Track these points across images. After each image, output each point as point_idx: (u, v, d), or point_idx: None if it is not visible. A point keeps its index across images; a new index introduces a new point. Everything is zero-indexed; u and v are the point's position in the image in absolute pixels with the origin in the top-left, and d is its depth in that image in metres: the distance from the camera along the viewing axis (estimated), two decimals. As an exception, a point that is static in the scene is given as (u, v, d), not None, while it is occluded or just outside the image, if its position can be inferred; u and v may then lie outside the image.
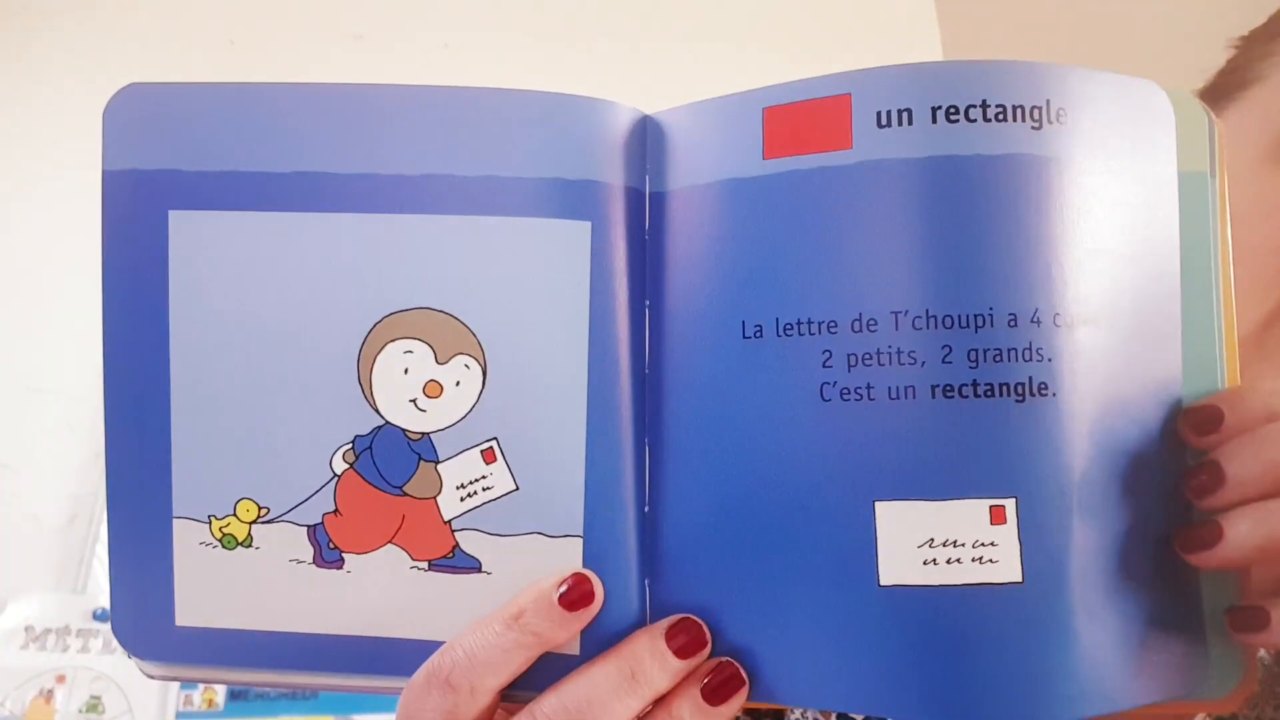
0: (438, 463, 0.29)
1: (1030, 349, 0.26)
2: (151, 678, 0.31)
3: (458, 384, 0.29)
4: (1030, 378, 0.26)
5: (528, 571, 0.29)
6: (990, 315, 0.27)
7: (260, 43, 1.31)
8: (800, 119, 0.28)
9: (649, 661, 0.27)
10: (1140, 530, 0.27)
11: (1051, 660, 0.26)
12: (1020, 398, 0.26)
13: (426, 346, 0.29)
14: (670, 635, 0.27)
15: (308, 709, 1.12)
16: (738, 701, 0.28)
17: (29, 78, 1.29)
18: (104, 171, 0.30)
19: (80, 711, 1.05)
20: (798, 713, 0.44)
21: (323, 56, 1.31)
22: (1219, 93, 0.41)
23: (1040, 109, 0.27)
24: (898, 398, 0.27)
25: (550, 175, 0.29)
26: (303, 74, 1.39)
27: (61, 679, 1.06)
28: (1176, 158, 0.29)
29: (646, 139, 0.30)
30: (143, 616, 0.30)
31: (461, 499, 0.29)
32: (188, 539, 0.30)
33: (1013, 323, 0.27)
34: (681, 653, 0.27)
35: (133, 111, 0.30)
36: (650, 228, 0.30)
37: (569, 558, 0.29)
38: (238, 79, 0.31)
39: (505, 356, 0.29)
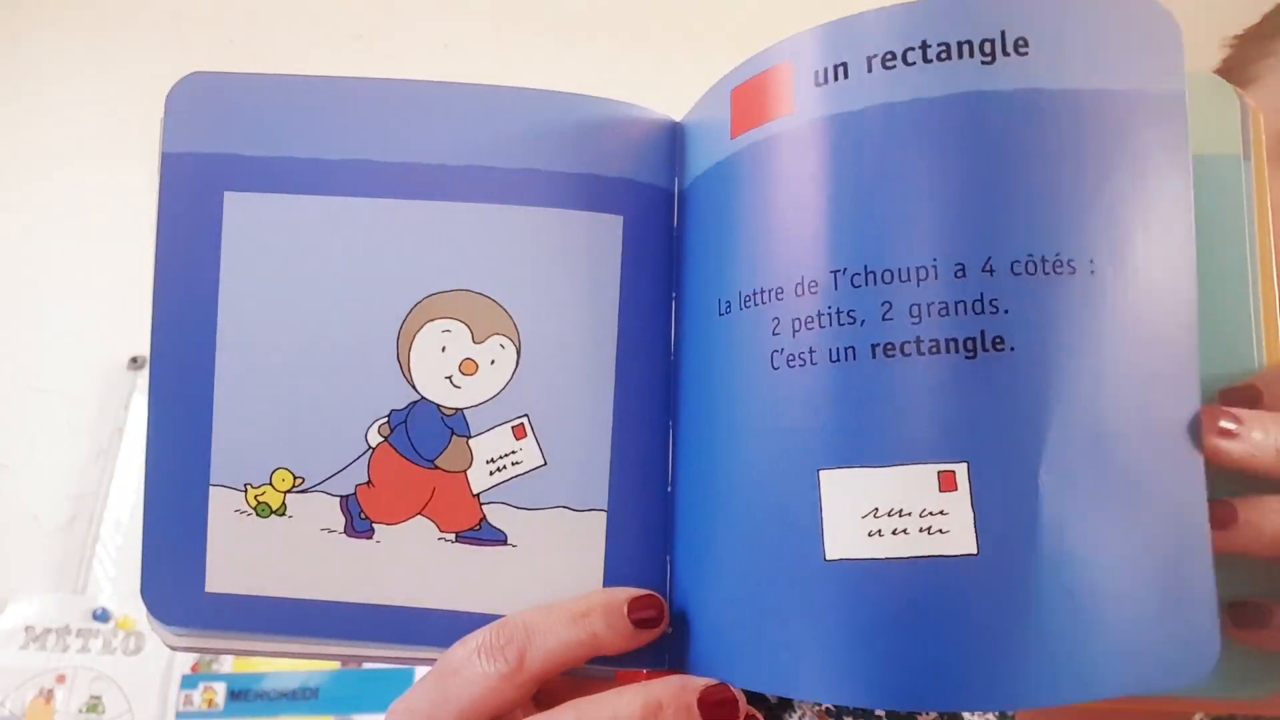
0: (469, 437, 0.30)
1: (982, 300, 0.25)
2: (174, 649, 0.31)
3: (492, 363, 0.30)
4: (982, 331, 0.25)
5: (552, 544, 0.30)
6: (933, 267, 0.25)
7: (260, 42, 1.31)
8: (755, 93, 0.29)
9: (671, 709, 0.26)
10: (1133, 502, 0.26)
11: (1013, 641, 0.25)
12: (970, 354, 0.25)
13: (464, 326, 0.30)
14: (704, 694, 0.27)
15: (308, 709, 1.12)
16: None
17: (29, 79, 1.29)
18: (163, 154, 0.32)
19: (80, 711, 1.05)
20: (799, 711, 0.44)
21: (323, 56, 1.31)
22: None
23: (992, 41, 0.26)
24: (838, 360, 0.26)
25: (586, 171, 0.31)
26: (302, 74, 1.39)
27: (61, 679, 1.06)
28: (1206, 137, 0.28)
29: (674, 141, 0.32)
30: (173, 581, 0.31)
31: (490, 473, 0.30)
32: (223, 506, 0.31)
33: (960, 273, 0.25)
34: (707, 713, 0.27)
35: (194, 98, 0.32)
36: (678, 223, 0.32)
37: (593, 531, 0.30)
38: None
39: (539, 338, 0.30)
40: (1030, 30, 0.26)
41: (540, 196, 0.31)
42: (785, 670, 0.27)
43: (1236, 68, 0.42)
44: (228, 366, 0.31)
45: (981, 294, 0.25)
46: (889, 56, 0.27)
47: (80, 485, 1.17)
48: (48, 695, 1.04)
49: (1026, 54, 0.26)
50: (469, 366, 0.30)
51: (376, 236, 0.31)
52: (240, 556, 0.31)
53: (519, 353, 0.30)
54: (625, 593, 0.29)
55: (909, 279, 0.26)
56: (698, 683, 0.27)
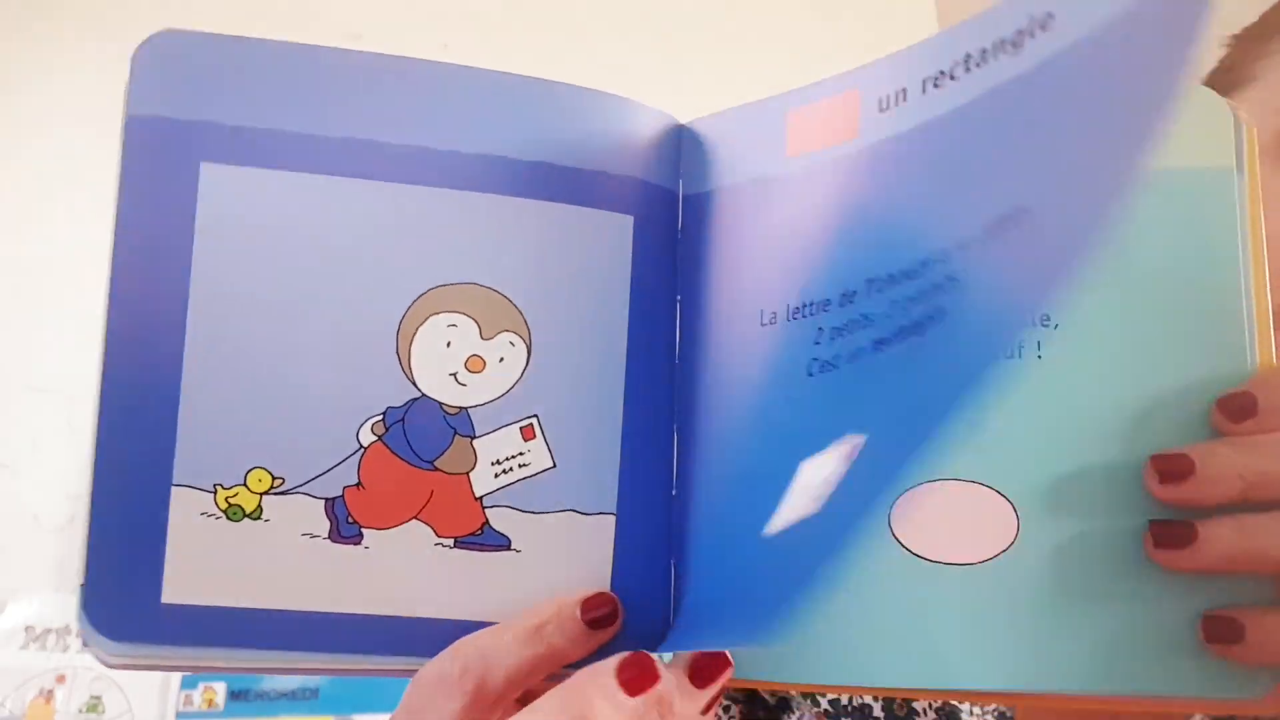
0: (474, 438, 0.29)
1: (942, 282, 0.25)
2: (109, 666, 0.27)
3: (501, 360, 0.29)
4: (938, 308, 0.25)
5: (558, 549, 0.29)
6: (925, 260, 0.26)
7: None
8: (819, 117, 0.30)
9: (599, 702, 0.26)
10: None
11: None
12: (920, 334, 0.25)
13: (472, 321, 0.29)
14: (620, 671, 0.26)
15: (308, 709, 1.12)
16: (724, 680, 0.27)
17: (29, 78, 1.29)
18: (128, 116, 0.29)
19: (80, 711, 1.05)
20: (797, 712, 0.44)
21: (322, 56, 1.31)
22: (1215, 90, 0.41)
23: (1022, 30, 0.26)
24: (853, 360, 0.27)
25: (599, 168, 0.30)
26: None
27: (61, 679, 1.06)
28: (1198, 150, 0.29)
29: (680, 144, 0.32)
30: (122, 592, 0.27)
31: (496, 475, 0.29)
32: (186, 509, 0.28)
33: (941, 258, 0.26)
34: (629, 688, 0.26)
35: (166, 57, 0.29)
36: (682, 227, 0.31)
37: (602, 535, 0.29)
38: None
39: (550, 336, 0.29)
40: (1055, 5, 0.26)
41: (554, 191, 0.30)
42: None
43: (1235, 66, 0.42)
44: (198, 354, 0.28)
45: (945, 275, 0.26)
46: (940, 76, 0.28)
47: (81, 485, 1.17)
48: (48, 695, 1.04)
49: (1052, 26, 0.26)
50: (476, 364, 0.29)
51: (379, 222, 0.29)
52: (205, 564, 0.27)
53: (529, 350, 0.29)
54: (575, 598, 0.28)
55: (913, 276, 0.27)
56: (612, 662, 0.26)
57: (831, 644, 0.28)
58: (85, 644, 0.27)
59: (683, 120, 0.32)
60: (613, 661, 0.26)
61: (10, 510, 1.15)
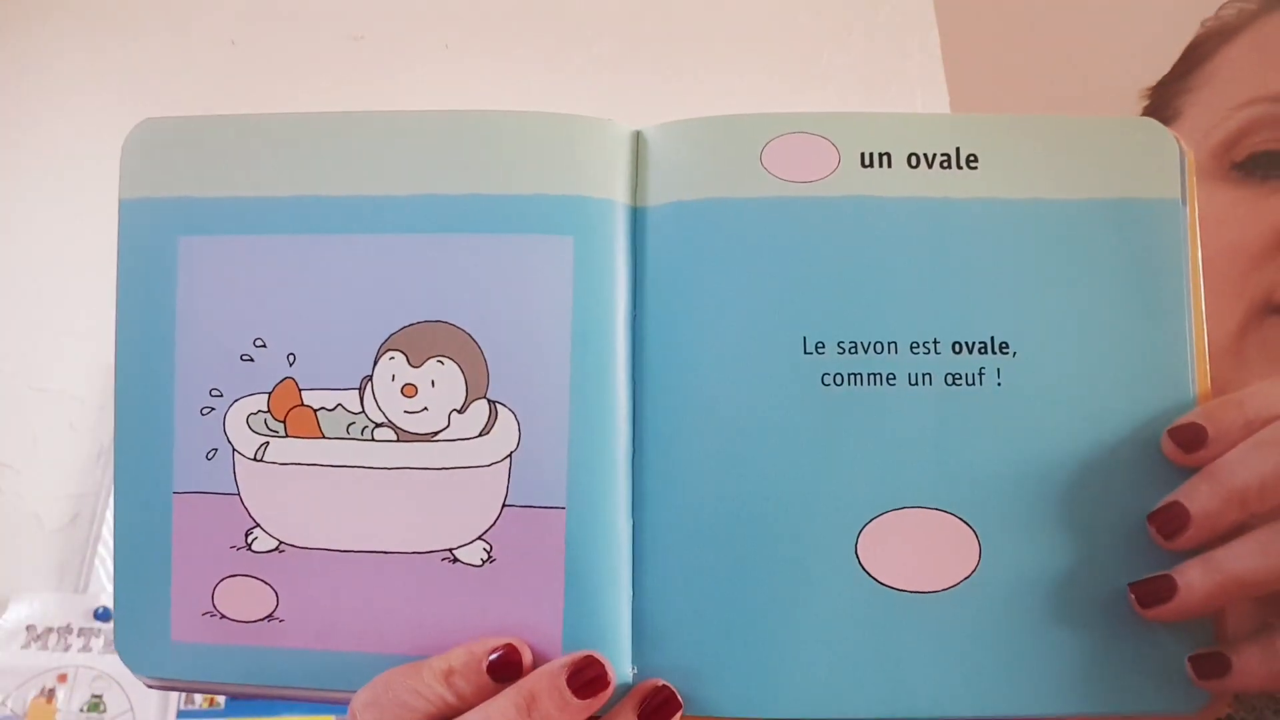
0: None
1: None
2: (151, 688, 0.31)
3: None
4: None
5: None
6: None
7: (261, 43, 1.31)
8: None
9: (545, 698, 0.27)
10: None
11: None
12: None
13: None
14: (572, 673, 0.27)
15: (309, 709, 1.12)
16: None
17: (28, 79, 1.29)
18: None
19: (82, 711, 1.05)
20: None
21: (323, 57, 1.31)
22: None
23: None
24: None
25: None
26: (304, 75, 1.39)
27: (63, 678, 1.06)
28: (1145, 184, 0.30)
29: (637, 154, 0.32)
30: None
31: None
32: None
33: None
34: (581, 692, 0.27)
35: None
36: (638, 239, 0.31)
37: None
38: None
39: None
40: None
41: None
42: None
43: (1157, 111, 0.45)
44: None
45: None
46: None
47: (82, 485, 1.17)
48: (49, 694, 1.05)
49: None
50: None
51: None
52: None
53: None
54: (484, 646, 0.28)
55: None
56: (565, 661, 0.28)
57: (797, 675, 0.29)
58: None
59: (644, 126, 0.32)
60: (565, 661, 0.28)
61: (11, 510, 1.15)
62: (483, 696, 0.28)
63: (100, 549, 1.15)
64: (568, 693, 0.27)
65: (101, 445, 1.18)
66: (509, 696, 0.27)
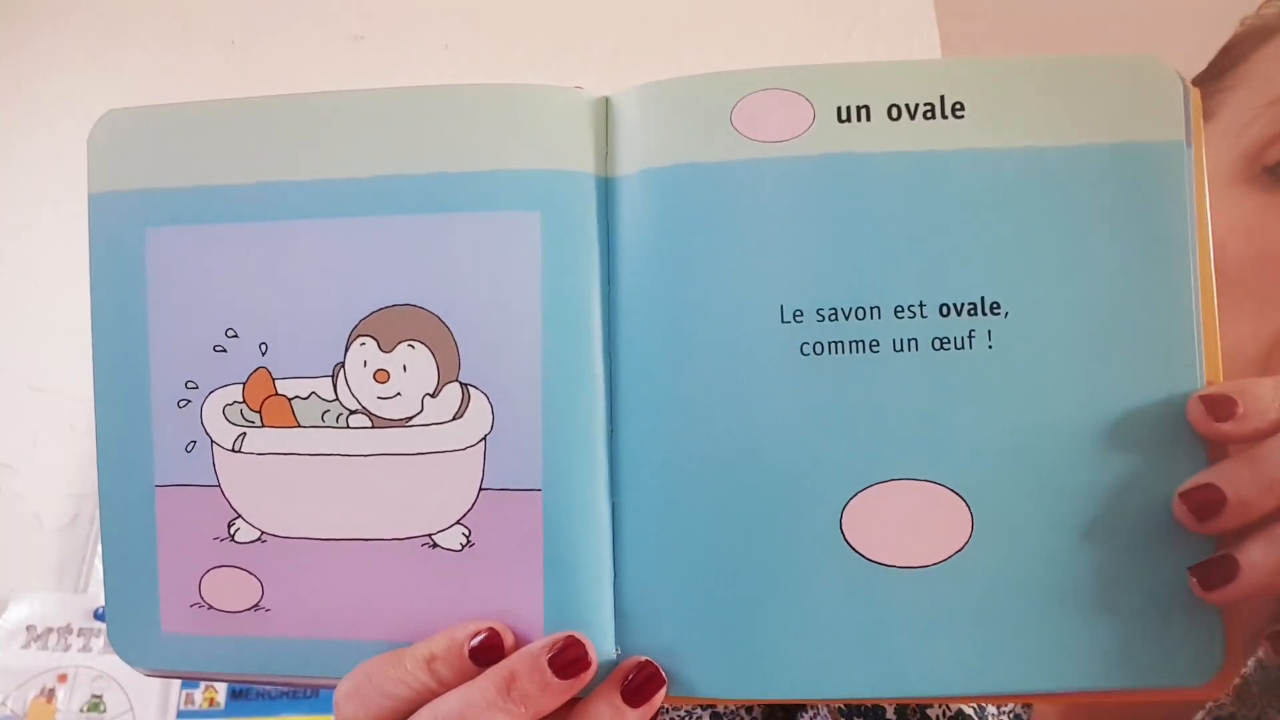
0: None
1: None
2: (147, 676, 0.32)
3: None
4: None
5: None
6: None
7: (261, 43, 1.31)
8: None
9: (526, 680, 0.27)
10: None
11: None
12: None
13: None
14: (552, 654, 0.28)
15: (309, 708, 1.12)
16: (657, 701, 0.28)
17: (31, 79, 1.29)
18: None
19: (81, 711, 1.05)
20: (811, 710, 0.44)
21: (323, 57, 1.31)
22: None
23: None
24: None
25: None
26: (303, 74, 1.39)
27: (63, 678, 1.06)
28: (1146, 127, 0.28)
29: (606, 122, 0.31)
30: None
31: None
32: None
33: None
34: (563, 673, 0.27)
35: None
36: (610, 210, 0.30)
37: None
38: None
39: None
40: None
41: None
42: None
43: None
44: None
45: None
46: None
47: (82, 485, 1.17)
48: (49, 694, 1.04)
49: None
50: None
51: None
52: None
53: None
54: (466, 630, 0.28)
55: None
56: (546, 642, 0.28)
57: (782, 655, 0.28)
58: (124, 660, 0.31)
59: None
60: (546, 642, 0.28)
61: (11, 510, 1.15)
62: (465, 681, 0.27)
63: (100, 549, 1.15)
64: (549, 673, 0.27)
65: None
66: (489, 678, 0.27)
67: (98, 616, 1.11)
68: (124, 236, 0.31)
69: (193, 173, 0.31)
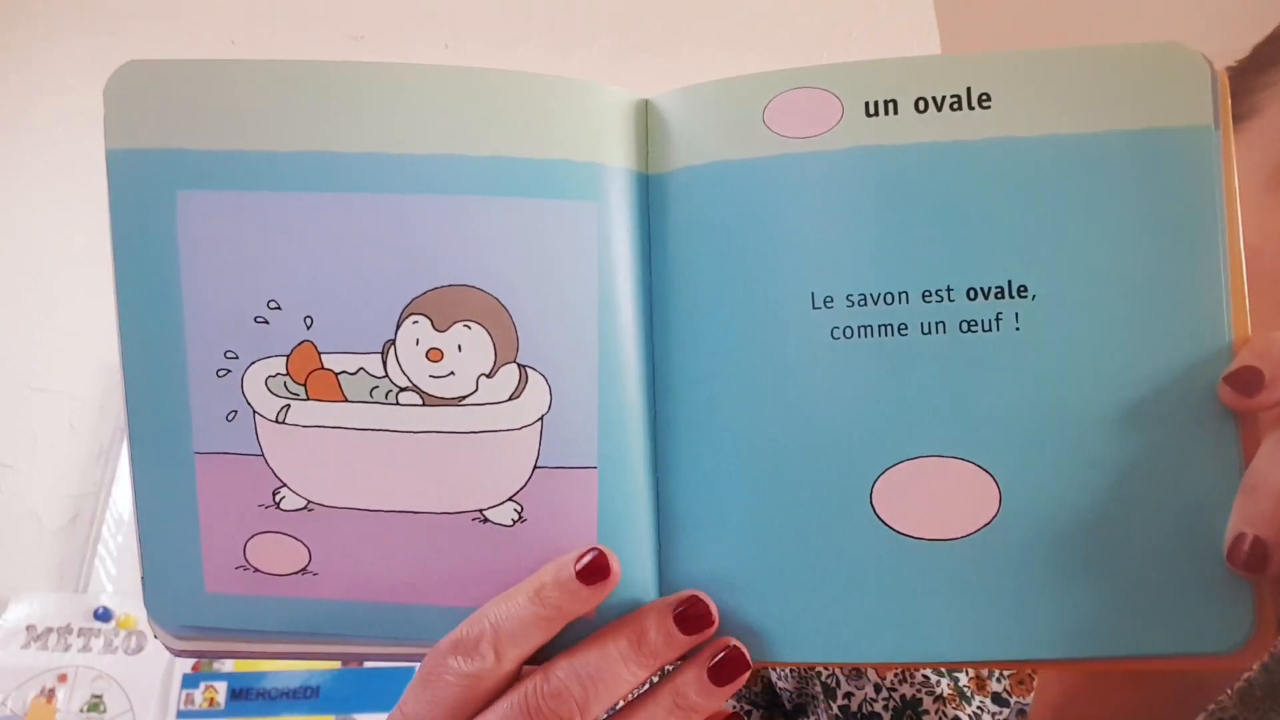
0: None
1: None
2: (175, 654, 0.31)
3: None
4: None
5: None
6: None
7: (261, 43, 1.31)
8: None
9: (655, 634, 0.28)
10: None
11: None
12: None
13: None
14: (678, 611, 0.29)
15: (309, 708, 1.12)
16: (740, 682, 0.29)
17: (29, 79, 1.29)
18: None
19: (81, 710, 1.05)
20: (812, 716, 0.44)
21: (323, 57, 1.31)
22: None
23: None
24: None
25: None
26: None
27: (63, 678, 1.06)
28: (1173, 111, 0.29)
29: (647, 123, 0.32)
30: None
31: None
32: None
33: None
34: (686, 628, 0.29)
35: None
36: (652, 207, 0.31)
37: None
38: None
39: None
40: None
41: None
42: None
43: (1235, 100, 0.40)
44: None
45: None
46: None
47: (82, 485, 1.17)
48: (49, 694, 1.05)
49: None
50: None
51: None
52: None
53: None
54: (569, 557, 0.29)
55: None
56: (672, 600, 0.29)
57: (817, 622, 0.29)
58: (153, 635, 0.31)
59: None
60: (672, 599, 0.29)
61: (11, 510, 1.15)
62: (578, 603, 0.28)
63: (100, 549, 1.15)
64: (674, 628, 0.29)
65: (101, 445, 1.18)
66: (624, 634, 0.28)
67: (98, 616, 1.11)
68: (152, 198, 0.30)
69: (230, 136, 0.30)
